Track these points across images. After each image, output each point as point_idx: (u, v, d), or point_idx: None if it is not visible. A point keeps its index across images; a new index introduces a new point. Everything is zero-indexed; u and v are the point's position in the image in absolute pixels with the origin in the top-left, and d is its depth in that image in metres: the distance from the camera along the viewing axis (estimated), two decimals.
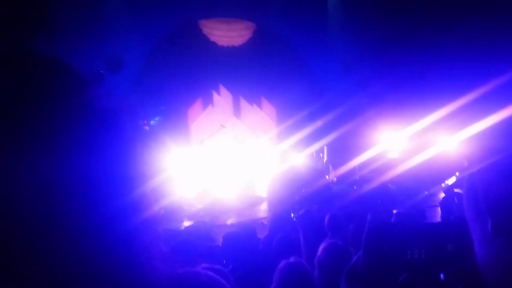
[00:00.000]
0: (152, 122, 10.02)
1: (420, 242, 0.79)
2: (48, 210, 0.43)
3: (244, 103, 11.64)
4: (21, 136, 0.43)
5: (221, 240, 3.85)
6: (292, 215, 4.83)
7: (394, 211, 4.88)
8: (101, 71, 9.81)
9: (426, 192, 8.02)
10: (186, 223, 6.82)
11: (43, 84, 0.46)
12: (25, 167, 0.42)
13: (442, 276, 0.76)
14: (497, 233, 0.51)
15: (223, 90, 11.44)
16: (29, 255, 0.43)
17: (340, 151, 9.79)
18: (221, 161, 9.54)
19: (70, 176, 0.44)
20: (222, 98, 11.36)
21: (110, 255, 0.46)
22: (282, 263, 2.56)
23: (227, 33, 12.68)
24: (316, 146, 10.15)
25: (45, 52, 0.49)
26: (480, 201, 0.53)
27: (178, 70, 11.36)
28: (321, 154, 10.28)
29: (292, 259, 2.58)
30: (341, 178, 9.27)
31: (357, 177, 9.28)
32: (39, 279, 0.43)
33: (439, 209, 4.95)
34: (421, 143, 8.86)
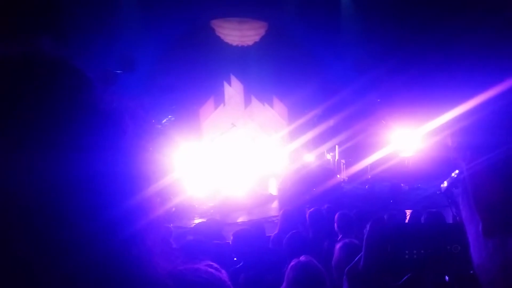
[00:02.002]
0: (164, 121, 10.09)
1: (421, 243, 0.79)
2: (52, 211, 0.43)
3: (255, 102, 11.66)
4: (23, 136, 0.43)
5: (231, 237, 3.87)
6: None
7: (408, 212, 4.84)
8: (114, 70, 9.92)
9: (438, 192, 7.92)
10: (197, 221, 6.86)
11: (46, 85, 0.46)
12: (27, 168, 0.43)
13: (447, 278, 0.76)
14: (488, 235, 0.51)
15: (234, 80, 11.49)
16: (36, 254, 0.43)
17: (352, 150, 9.73)
18: (232, 159, 9.56)
19: (74, 176, 0.44)
20: (233, 89, 11.42)
21: (115, 253, 0.47)
22: (293, 262, 2.54)
23: (239, 33, 12.69)
24: (327, 145, 10.11)
25: (51, 53, 0.49)
26: (471, 202, 0.53)
27: (190, 69, 11.41)
28: (331, 153, 10.24)
29: (303, 258, 2.56)
30: (353, 177, 9.21)
31: (369, 176, 9.21)
32: (43, 278, 0.44)
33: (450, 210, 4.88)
34: (434, 142, 8.75)
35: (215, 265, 0.62)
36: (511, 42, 8.20)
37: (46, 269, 0.44)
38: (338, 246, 2.89)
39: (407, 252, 0.77)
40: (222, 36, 12.62)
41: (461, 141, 0.56)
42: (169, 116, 10.28)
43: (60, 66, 0.49)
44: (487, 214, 0.51)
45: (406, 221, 4.37)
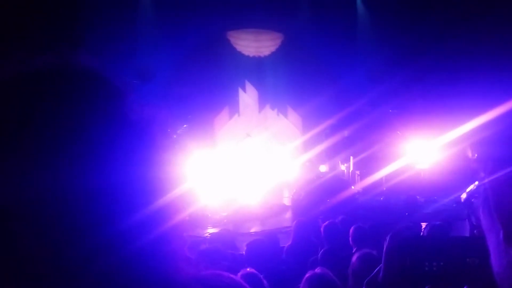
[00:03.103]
0: (179, 130, 10.17)
1: (440, 255, 0.79)
2: (78, 216, 0.44)
3: (270, 112, 11.68)
4: (57, 145, 0.45)
5: (244, 248, 3.86)
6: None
7: (423, 224, 4.76)
8: (132, 81, 10.07)
9: (454, 205, 7.79)
10: (211, 230, 6.86)
11: (80, 96, 0.48)
12: (58, 176, 0.44)
13: None
14: (509, 242, 0.51)
15: (249, 87, 11.56)
16: (53, 262, 0.44)
17: (367, 161, 9.64)
18: (246, 169, 9.57)
19: (102, 183, 0.46)
20: (248, 96, 11.50)
21: (141, 257, 0.48)
22: (308, 274, 2.53)
23: (255, 44, 12.79)
24: (342, 155, 10.04)
25: (85, 64, 0.51)
26: (493, 211, 0.53)
27: (206, 79, 11.53)
28: (346, 164, 10.16)
29: (318, 270, 2.55)
30: (367, 189, 9.11)
31: (384, 188, 9.10)
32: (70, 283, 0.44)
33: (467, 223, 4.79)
34: (451, 153, 8.61)
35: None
36: None
37: (71, 276, 0.44)
38: (355, 256, 2.88)
39: (427, 264, 0.77)
40: (237, 47, 12.74)
41: (482, 152, 0.56)
42: (184, 125, 10.36)
43: (93, 78, 0.51)
44: (508, 222, 0.51)
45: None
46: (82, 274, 0.45)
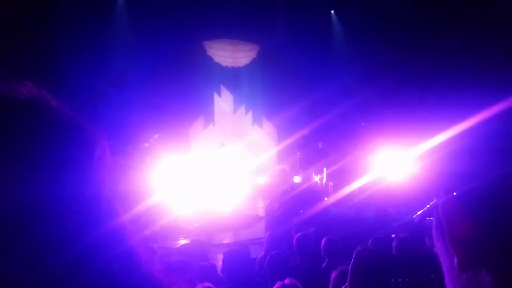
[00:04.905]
0: (151, 139, 10.02)
1: (405, 271, 0.80)
2: (46, 231, 0.45)
3: (244, 122, 11.71)
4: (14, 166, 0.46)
5: (221, 257, 3.84)
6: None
7: (393, 236, 4.84)
8: (105, 87, 9.91)
9: (427, 218, 7.95)
10: (182, 242, 6.75)
11: (45, 125, 0.50)
12: (15, 193, 0.45)
13: None
14: (462, 270, 0.52)
15: (224, 91, 11.61)
16: (21, 279, 0.43)
17: (340, 173, 9.77)
18: (220, 179, 9.52)
19: (64, 201, 0.46)
20: (223, 100, 11.56)
21: (103, 274, 0.47)
22: (277, 285, 2.52)
23: (231, 54, 12.85)
24: (316, 167, 10.14)
25: (32, 95, 0.52)
26: (446, 236, 0.54)
27: (181, 88, 11.47)
28: (319, 175, 10.26)
29: (287, 281, 2.54)
30: (341, 201, 9.20)
31: (357, 200, 9.22)
32: None
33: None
34: (421, 167, 8.82)
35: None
36: (501, 68, 8.39)
37: None
38: (335, 273, 2.87)
39: (392, 280, 0.77)
40: (214, 57, 12.76)
41: (445, 168, 0.57)
42: (156, 135, 10.21)
43: (40, 106, 0.52)
44: (462, 251, 0.51)
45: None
46: None
